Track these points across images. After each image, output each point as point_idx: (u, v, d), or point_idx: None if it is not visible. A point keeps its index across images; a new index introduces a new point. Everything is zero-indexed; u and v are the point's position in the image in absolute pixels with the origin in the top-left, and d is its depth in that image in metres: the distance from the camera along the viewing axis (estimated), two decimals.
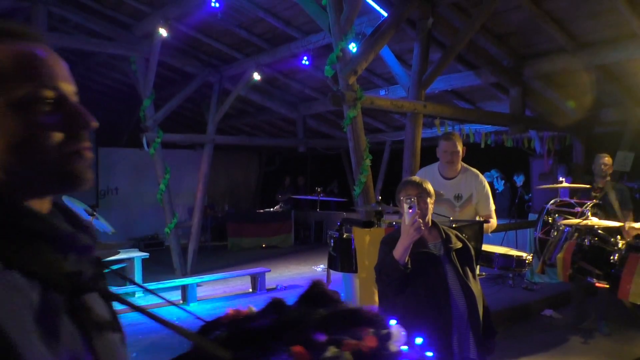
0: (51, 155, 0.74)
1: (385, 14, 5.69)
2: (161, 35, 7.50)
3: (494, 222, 3.86)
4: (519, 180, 10.20)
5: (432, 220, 2.61)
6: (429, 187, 2.61)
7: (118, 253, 6.58)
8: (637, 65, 6.10)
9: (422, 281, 2.44)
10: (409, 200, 2.41)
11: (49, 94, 0.77)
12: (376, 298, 4.12)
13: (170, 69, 9.45)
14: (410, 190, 2.54)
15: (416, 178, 2.68)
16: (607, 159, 5.33)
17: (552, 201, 4.88)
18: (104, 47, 8.18)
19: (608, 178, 5.24)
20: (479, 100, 8.44)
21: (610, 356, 4.67)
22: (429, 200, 2.55)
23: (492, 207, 3.91)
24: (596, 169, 5.36)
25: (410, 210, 2.39)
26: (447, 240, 2.56)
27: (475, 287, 2.51)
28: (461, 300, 2.43)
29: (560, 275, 3.48)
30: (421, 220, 2.39)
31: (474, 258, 2.62)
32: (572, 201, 4.79)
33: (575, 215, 4.37)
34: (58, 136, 0.76)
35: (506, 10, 5.82)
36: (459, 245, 2.57)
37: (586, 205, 4.09)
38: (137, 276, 7.49)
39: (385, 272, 2.45)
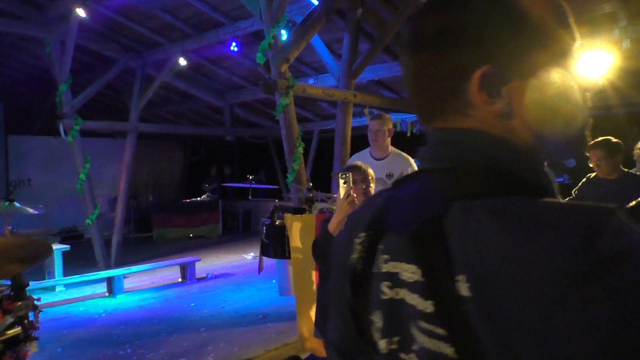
0: (577, 119, 0.66)
1: (316, 2, 5.75)
2: (78, 16, 7.11)
3: None
4: None
5: None
6: (372, 172, 2.76)
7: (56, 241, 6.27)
8: None
9: None
10: (344, 176, 2.51)
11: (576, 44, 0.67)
12: (309, 282, 4.23)
13: (88, 54, 8.97)
14: (356, 176, 2.64)
15: (360, 163, 2.77)
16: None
17: None
18: (14, 26, 7.62)
19: None
20: (404, 91, 8.74)
21: None
22: (372, 185, 2.70)
23: None
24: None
25: (345, 185, 2.49)
26: None
27: None
28: None
29: None
30: (354, 195, 2.48)
31: None
32: None
33: None
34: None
35: None
36: None
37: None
38: (58, 269, 7.12)
39: (321, 246, 2.55)
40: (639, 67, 6.08)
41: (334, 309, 0.77)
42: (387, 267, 0.66)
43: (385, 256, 0.67)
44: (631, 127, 7.20)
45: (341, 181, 2.52)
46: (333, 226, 2.50)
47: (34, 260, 2.92)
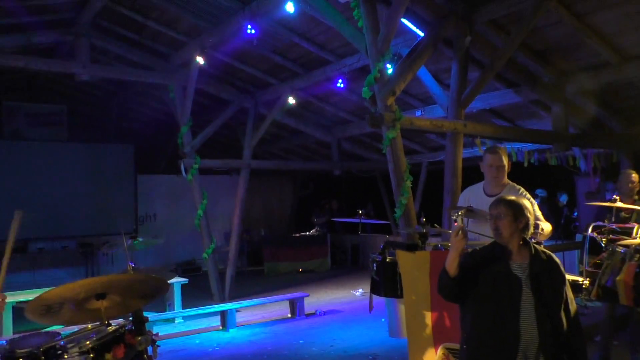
0: None
1: (422, 34, 5.64)
2: (198, 63, 7.67)
3: (545, 226, 3.58)
4: (562, 199, 9.87)
5: (524, 240, 2.51)
6: (514, 206, 2.52)
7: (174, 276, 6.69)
8: None
9: (493, 302, 2.39)
10: (454, 213, 2.58)
11: None
12: (423, 324, 3.97)
13: (206, 96, 9.62)
14: (492, 210, 2.54)
15: (510, 197, 2.60)
16: (635, 176, 4.94)
17: (590, 229, 4.59)
18: (143, 76, 8.42)
19: (636, 197, 4.84)
20: (518, 119, 8.24)
21: None
22: (508, 219, 2.47)
23: (541, 216, 3.68)
24: (622, 188, 4.95)
25: (455, 224, 2.54)
26: (533, 262, 2.45)
27: (556, 313, 2.40)
28: (532, 328, 2.32)
29: (624, 298, 3.28)
30: (462, 234, 2.46)
31: (565, 281, 2.50)
32: (614, 226, 4.49)
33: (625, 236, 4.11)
34: None
35: (546, 25, 5.68)
36: (546, 267, 2.46)
37: None
38: (177, 302, 7.50)
39: (440, 282, 2.57)
40: None
41: None
42: None
43: None
44: None
45: (452, 219, 2.48)
46: (447, 262, 2.48)
47: (154, 297, 3.05)
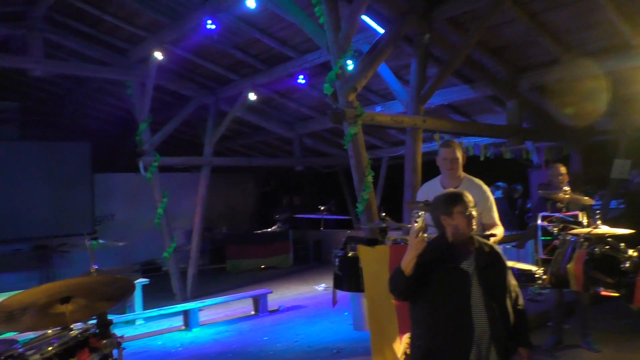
0: None
1: (382, 31, 5.73)
2: (157, 59, 7.53)
3: (499, 232, 3.75)
4: (518, 187, 10.24)
5: (470, 236, 2.58)
6: (471, 198, 2.63)
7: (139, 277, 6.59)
8: (630, 74, 6.16)
9: (446, 298, 2.44)
10: (414, 214, 2.48)
11: None
12: (386, 316, 4.05)
13: (166, 93, 9.45)
14: (458, 208, 2.54)
15: (462, 193, 2.66)
16: (563, 169, 5.22)
17: (538, 218, 4.85)
18: (99, 72, 8.21)
19: (567, 188, 5.04)
20: (475, 114, 8.48)
21: None
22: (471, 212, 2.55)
23: (496, 216, 3.84)
24: (553, 180, 5.22)
25: (415, 224, 2.45)
26: (478, 256, 2.53)
27: (503, 302, 2.49)
28: (484, 319, 2.41)
29: (574, 284, 3.46)
30: (424, 235, 2.43)
31: (507, 270, 2.60)
32: (561, 215, 4.74)
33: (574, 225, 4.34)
34: None
35: (501, 24, 5.88)
36: (490, 259, 2.54)
37: (597, 214, 4.07)
38: (138, 303, 7.36)
39: (393, 282, 2.54)
40: None
41: None
42: None
43: None
44: None
45: (412, 219, 2.49)
46: (404, 263, 2.45)
47: (120, 298, 2.99)
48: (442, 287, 2.45)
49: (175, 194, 10.83)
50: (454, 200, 2.57)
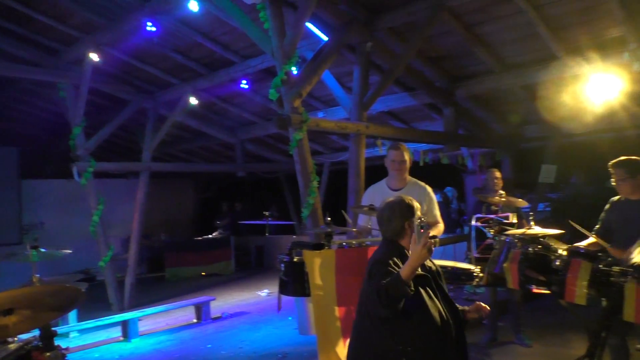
0: None
1: (326, 39, 5.81)
2: (92, 60, 7.25)
3: (440, 228, 4.06)
4: (450, 194, 10.68)
5: None
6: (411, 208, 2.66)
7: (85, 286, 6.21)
8: (557, 85, 6.59)
9: (428, 305, 2.44)
10: (419, 221, 2.34)
11: None
12: (332, 318, 4.10)
13: (102, 96, 9.10)
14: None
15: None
16: (498, 174, 5.53)
17: (473, 219, 5.14)
18: (30, 73, 7.80)
19: (502, 191, 5.36)
20: (413, 121, 8.76)
21: None
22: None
23: (438, 214, 4.12)
24: (489, 184, 5.51)
25: (422, 231, 2.31)
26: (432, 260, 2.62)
27: (450, 298, 2.60)
28: (449, 316, 2.49)
29: (510, 282, 3.64)
30: (432, 241, 2.30)
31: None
32: (494, 216, 5.02)
33: (509, 227, 4.61)
34: None
35: (439, 34, 6.12)
36: (431, 260, 2.63)
37: (529, 215, 4.30)
38: (72, 314, 7.01)
39: (389, 294, 2.30)
40: None
41: None
42: None
43: None
44: None
45: (417, 227, 2.32)
46: (407, 274, 2.29)
47: (67, 308, 2.85)
48: (422, 295, 2.44)
49: (112, 200, 10.41)
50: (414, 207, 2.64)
